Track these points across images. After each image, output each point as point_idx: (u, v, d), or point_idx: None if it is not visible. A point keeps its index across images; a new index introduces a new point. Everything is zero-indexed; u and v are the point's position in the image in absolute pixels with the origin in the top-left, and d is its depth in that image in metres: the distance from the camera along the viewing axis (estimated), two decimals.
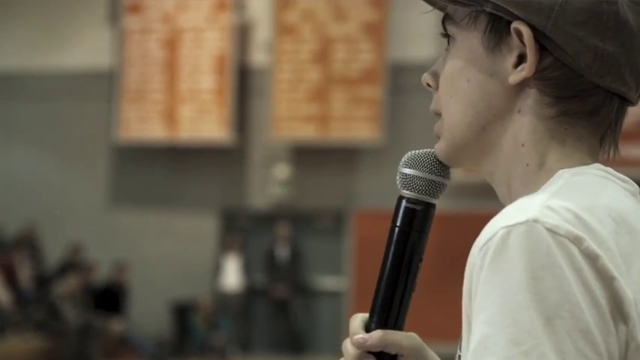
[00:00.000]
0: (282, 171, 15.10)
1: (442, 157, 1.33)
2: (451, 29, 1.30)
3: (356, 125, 14.84)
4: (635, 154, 13.10)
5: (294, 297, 14.95)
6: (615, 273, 1.07)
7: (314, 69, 15.03)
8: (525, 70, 1.21)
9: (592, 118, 1.23)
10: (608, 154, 1.26)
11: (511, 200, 1.22)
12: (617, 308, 1.07)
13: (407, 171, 1.36)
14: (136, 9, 15.62)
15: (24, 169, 16.08)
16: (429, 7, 1.34)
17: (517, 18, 1.21)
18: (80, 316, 13.86)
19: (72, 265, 14.68)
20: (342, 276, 15.08)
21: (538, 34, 1.21)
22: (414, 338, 1.35)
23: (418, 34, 14.30)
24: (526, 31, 1.20)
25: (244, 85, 15.41)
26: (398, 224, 1.37)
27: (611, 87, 1.22)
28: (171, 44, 15.48)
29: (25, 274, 14.35)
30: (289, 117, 14.99)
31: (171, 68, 15.44)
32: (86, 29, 15.96)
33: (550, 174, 1.20)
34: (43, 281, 14.69)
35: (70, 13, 15.99)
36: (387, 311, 1.36)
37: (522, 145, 1.24)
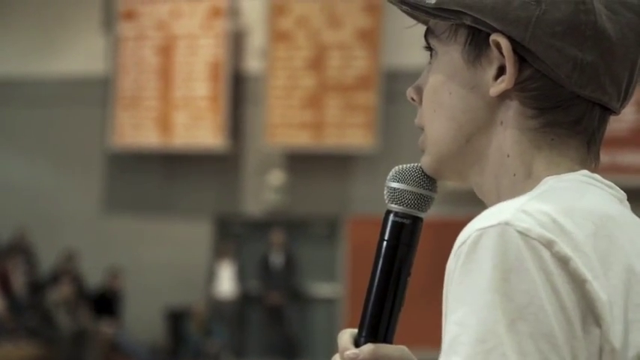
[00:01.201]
0: (276, 178, 15.11)
1: (428, 170, 1.34)
2: (433, 43, 1.31)
3: (350, 132, 14.85)
4: (628, 160, 13.12)
5: (288, 304, 14.94)
6: (588, 276, 1.08)
7: (308, 75, 15.04)
8: (505, 82, 1.22)
9: (576, 128, 1.23)
10: (594, 164, 1.26)
11: None
12: (590, 311, 1.07)
13: (395, 185, 1.37)
14: (130, 16, 15.62)
15: (18, 175, 16.06)
16: (414, 21, 1.35)
17: (495, 30, 1.22)
18: (74, 322, 13.84)
19: (66, 271, 14.66)
20: (337, 282, 15.08)
21: (517, 46, 1.21)
22: (403, 351, 1.35)
23: (413, 41, 14.24)
24: (505, 43, 1.21)
25: (239, 91, 15.41)
26: (386, 238, 1.37)
27: (591, 97, 1.22)
28: (166, 51, 15.48)
29: (18, 280, 14.33)
30: (284, 123, 14.99)
31: (165, 75, 15.44)
32: (80, 36, 15.96)
33: (537, 182, 1.21)
34: (37, 288, 14.67)
35: (65, 19, 15.98)
36: (377, 326, 1.36)
37: (508, 156, 1.24)
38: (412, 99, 1.35)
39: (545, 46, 1.20)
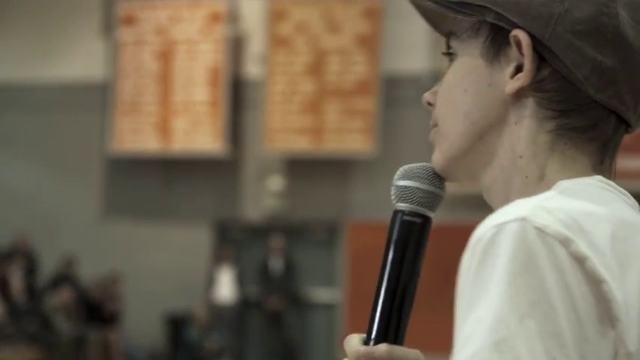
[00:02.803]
0: (275, 183, 15.10)
1: (438, 167, 1.32)
2: (454, 44, 1.30)
3: (350, 137, 14.85)
4: (634, 166, 13.11)
5: (287, 309, 14.93)
6: (605, 276, 1.06)
7: (308, 81, 15.05)
8: (522, 79, 1.21)
9: (590, 134, 1.22)
10: (607, 173, 1.24)
11: None
12: (605, 312, 1.05)
13: (404, 182, 1.34)
14: (129, 21, 15.63)
15: (17, 181, 16.06)
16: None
17: (517, 26, 1.21)
18: (73, 327, 13.83)
19: (65, 276, 14.66)
20: (336, 288, 15.07)
21: (537, 44, 1.20)
22: (418, 355, 1.33)
23: (412, 46, 14.33)
24: (525, 39, 1.20)
25: (238, 97, 15.42)
26: (395, 239, 1.33)
27: (608, 103, 1.21)
28: (165, 56, 15.48)
29: (18, 285, 14.32)
30: (283, 129, 14.99)
31: (165, 80, 15.44)
32: (80, 41, 15.96)
33: (549, 185, 1.19)
34: (36, 293, 14.66)
35: (64, 24, 15.99)
36: (386, 329, 1.32)
37: (520, 157, 1.23)
38: (428, 103, 1.34)
39: (565, 45, 1.19)
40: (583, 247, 1.06)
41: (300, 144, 14.99)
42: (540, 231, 1.06)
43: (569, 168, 1.22)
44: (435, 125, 1.31)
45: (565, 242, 1.06)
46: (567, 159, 1.22)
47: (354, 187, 14.97)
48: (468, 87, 1.26)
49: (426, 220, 1.34)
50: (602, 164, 1.24)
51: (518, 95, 1.22)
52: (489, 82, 1.24)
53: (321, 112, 14.96)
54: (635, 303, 1.08)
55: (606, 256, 1.08)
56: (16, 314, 13.84)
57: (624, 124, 1.25)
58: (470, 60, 1.27)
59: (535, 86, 1.21)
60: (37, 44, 16.02)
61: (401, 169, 1.36)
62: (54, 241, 15.48)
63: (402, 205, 1.34)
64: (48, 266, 15.15)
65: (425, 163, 1.34)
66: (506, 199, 1.23)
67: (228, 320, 14.91)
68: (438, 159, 1.32)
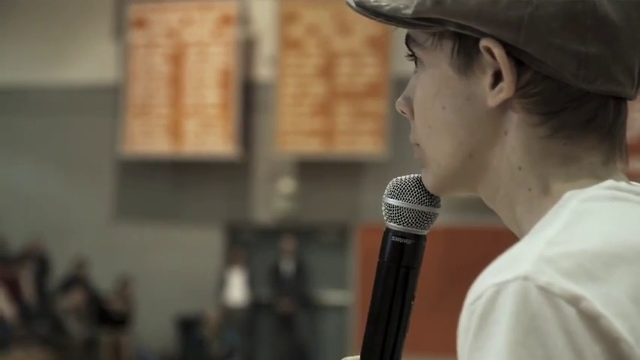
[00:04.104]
0: (286, 185, 15.11)
1: (430, 188, 1.23)
2: (416, 51, 1.19)
3: (360, 139, 14.85)
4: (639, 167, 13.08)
5: (299, 311, 14.93)
6: (622, 333, 0.95)
7: (319, 83, 15.05)
8: (504, 91, 1.10)
9: (589, 127, 1.11)
10: (618, 157, 1.13)
11: (518, 226, 1.14)
12: None
13: (392, 202, 1.26)
14: (140, 23, 15.66)
15: (28, 183, 16.10)
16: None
17: (485, 35, 1.09)
18: (85, 329, 13.85)
19: (77, 279, 14.69)
20: (347, 290, 15.07)
21: (511, 49, 1.09)
22: None
23: None
24: (497, 49, 1.09)
25: (249, 99, 15.43)
26: (386, 260, 1.26)
27: (603, 91, 1.10)
28: (176, 59, 15.50)
29: (29, 288, 14.35)
30: (294, 131, 15.00)
31: (176, 83, 15.46)
32: (91, 43, 16.00)
33: (556, 198, 1.09)
34: (48, 295, 14.69)
35: (75, 27, 16.02)
36: (379, 354, 1.26)
37: (519, 169, 1.12)
38: (402, 112, 1.24)
39: (544, 46, 1.08)
40: (595, 303, 0.95)
41: (311, 146, 14.99)
42: (545, 290, 0.95)
43: (575, 172, 1.11)
44: (417, 144, 1.22)
45: (574, 301, 0.95)
46: (570, 161, 1.11)
47: (364, 189, 14.96)
48: (445, 104, 1.15)
49: (418, 239, 1.25)
50: (611, 150, 1.13)
51: (503, 105, 1.11)
52: (467, 96, 1.13)
53: (331, 114, 14.96)
54: None
55: (623, 302, 0.97)
56: (28, 316, 13.88)
57: (624, 100, 1.14)
58: (440, 72, 1.15)
59: (519, 93, 1.10)
60: (48, 47, 16.06)
61: (391, 183, 1.28)
62: (65, 243, 15.51)
63: (392, 225, 1.26)
64: (59, 269, 15.18)
65: (417, 175, 1.25)
66: (513, 212, 1.15)
67: (239, 323, 14.91)
68: (428, 180, 1.22)
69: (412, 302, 1.26)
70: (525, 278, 0.96)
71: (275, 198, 15.15)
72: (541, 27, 1.08)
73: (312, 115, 15.01)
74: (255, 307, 15.14)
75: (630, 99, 1.14)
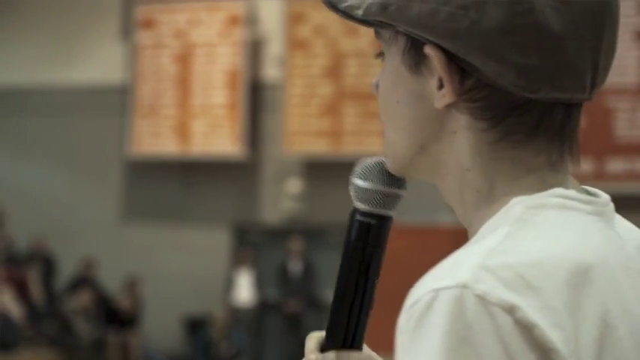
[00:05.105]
0: (294, 185, 15.11)
1: (392, 171, 1.25)
2: (379, 41, 1.22)
3: (368, 140, 14.84)
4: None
5: (306, 311, 14.92)
6: (555, 343, 0.96)
7: (326, 83, 15.05)
8: (447, 96, 1.12)
9: (538, 132, 1.11)
10: (568, 161, 1.14)
11: (468, 224, 1.16)
12: None
13: (359, 183, 1.30)
14: (148, 24, 15.67)
15: (36, 184, 16.12)
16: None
17: (429, 41, 1.12)
18: (93, 330, 13.87)
19: (85, 279, 14.70)
20: None
21: (453, 56, 1.10)
22: (370, 357, 1.29)
23: None
24: (437, 57, 1.11)
25: (256, 99, 15.43)
26: (352, 239, 1.30)
27: (549, 98, 1.10)
28: (184, 59, 15.52)
29: (37, 288, 14.37)
30: (301, 131, 15.00)
31: (183, 83, 15.47)
32: (99, 44, 16.01)
33: (502, 202, 1.10)
34: (56, 296, 14.71)
35: (83, 27, 16.04)
36: (344, 330, 1.30)
37: (468, 170, 1.14)
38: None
39: (482, 57, 1.08)
40: (531, 313, 0.97)
41: (319, 147, 14.99)
42: (482, 299, 0.96)
43: (523, 177, 1.12)
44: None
45: (510, 310, 0.96)
46: (518, 166, 1.12)
47: None
48: (399, 99, 1.18)
49: (384, 219, 1.29)
50: (561, 155, 1.14)
51: (450, 107, 1.13)
52: (418, 95, 1.15)
53: (339, 114, 14.96)
54: (590, 358, 0.99)
55: (559, 311, 0.98)
56: (36, 317, 13.89)
57: (576, 104, 1.14)
58: (395, 67, 1.18)
59: (464, 97, 1.11)
60: (56, 47, 16.08)
61: (358, 164, 1.31)
62: (73, 244, 15.53)
63: (358, 205, 1.30)
64: (67, 269, 15.20)
65: (382, 159, 1.27)
66: (464, 211, 1.16)
67: (247, 323, 14.92)
68: (389, 164, 1.24)
69: (376, 280, 1.29)
70: (464, 286, 0.97)
71: (283, 198, 15.15)
72: (480, 39, 1.08)
73: (320, 115, 15.01)
74: (263, 308, 15.14)
75: (586, 101, 1.14)
